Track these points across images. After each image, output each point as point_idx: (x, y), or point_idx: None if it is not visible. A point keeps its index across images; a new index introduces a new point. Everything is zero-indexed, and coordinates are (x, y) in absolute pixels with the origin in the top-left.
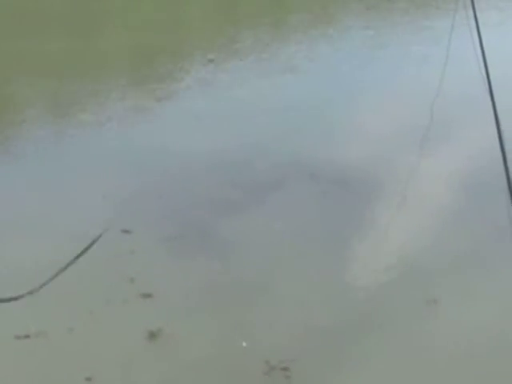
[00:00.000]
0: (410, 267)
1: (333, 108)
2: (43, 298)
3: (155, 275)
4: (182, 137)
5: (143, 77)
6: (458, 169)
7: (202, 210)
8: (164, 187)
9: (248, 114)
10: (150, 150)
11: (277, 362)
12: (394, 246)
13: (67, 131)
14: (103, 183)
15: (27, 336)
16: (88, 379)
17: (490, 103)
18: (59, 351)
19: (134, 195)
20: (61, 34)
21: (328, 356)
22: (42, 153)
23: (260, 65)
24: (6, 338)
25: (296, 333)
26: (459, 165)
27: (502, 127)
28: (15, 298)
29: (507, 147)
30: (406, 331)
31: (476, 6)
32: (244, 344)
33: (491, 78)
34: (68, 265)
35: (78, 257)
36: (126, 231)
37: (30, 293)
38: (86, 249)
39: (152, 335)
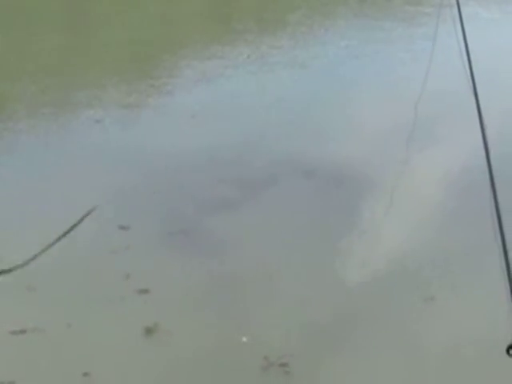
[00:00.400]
0: (405, 264)
1: (321, 105)
2: (39, 293)
3: (151, 271)
4: (177, 134)
5: (139, 74)
6: (446, 166)
7: (197, 206)
8: (158, 184)
9: (242, 111)
10: (144, 147)
11: (275, 358)
12: (388, 243)
13: (61, 128)
14: (98, 180)
15: (23, 331)
16: (85, 374)
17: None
18: (56, 346)
19: (130, 192)
20: (56, 31)
21: (326, 352)
22: (36, 150)
23: (255, 62)
24: (0, 333)
25: (294, 329)
26: (447, 162)
27: (486, 125)
28: (7, 271)
29: (491, 145)
30: (404, 327)
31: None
32: (244, 339)
33: (476, 75)
34: (57, 240)
35: (67, 232)
36: (122, 227)
37: (21, 266)
38: (76, 224)
39: (149, 331)
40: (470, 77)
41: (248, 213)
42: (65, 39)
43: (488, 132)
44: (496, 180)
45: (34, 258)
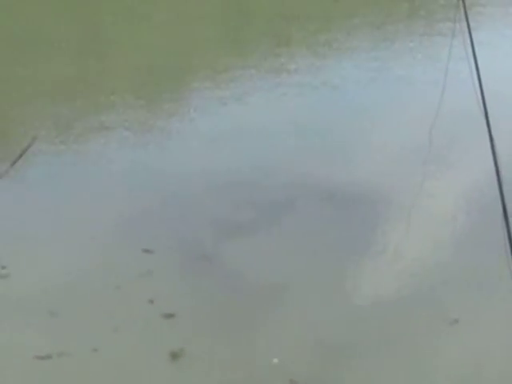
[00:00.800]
0: (424, 286)
1: (337, 129)
2: (61, 318)
3: (176, 295)
4: (192, 157)
5: (152, 97)
6: (462, 189)
7: (219, 231)
8: (174, 208)
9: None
10: (160, 170)
11: (303, 381)
12: (406, 265)
13: (82, 153)
14: (116, 204)
15: (49, 356)
16: None
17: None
18: (82, 371)
19: (151, 215)
20: (68, 58)
21: (350, 374)
22: (52, 175)
23: (267, 82)
24: (26, 358)
25: (318, 351)
26: (462, 184)
27: (498, 148)
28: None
29: (502, 168)
30: (427, 349)
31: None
32: (275, 360)
33: (488, 98)
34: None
35: (14, 162)
36: (146, 251)
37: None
38: (23, 154)
39: (174, 356)
40: (481, 101)
41: (267, 237)
42: (78, 64)
43: (500, 155)
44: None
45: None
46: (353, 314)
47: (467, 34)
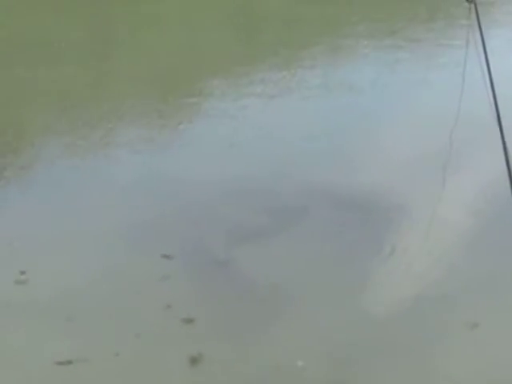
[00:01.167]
0: (441, 292)
1: (351, 133)
2: (79, 324)
3: (196, 300)
4: (204, 163)
5: (163, 102)
6: (479, 194)
7: (236, 236)
8: (189, 214)
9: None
10: (173, 176)
11: None
12: (422, 273)
13: (97, 159)
14: (131, 210)
15: (69, 361)
16: None
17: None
18: (103, 377)
19: (162, 221)
20: (75, 60)
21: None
22: (68, 180)
23: (281, 87)
24: (46, 363)
25: (335, 357)
26: (480, 190)
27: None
28: None
29: None
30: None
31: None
32: (300, 363)
33: (502, 105)
34: None
35: None
36: (165, 256)
37: None
38: None
39: (193, 360)
40: (494, 105)
41: (284, 243)
42: (87, 67)
43: None
44: None
45: None
46: (370, 320)
47: (481, 39)
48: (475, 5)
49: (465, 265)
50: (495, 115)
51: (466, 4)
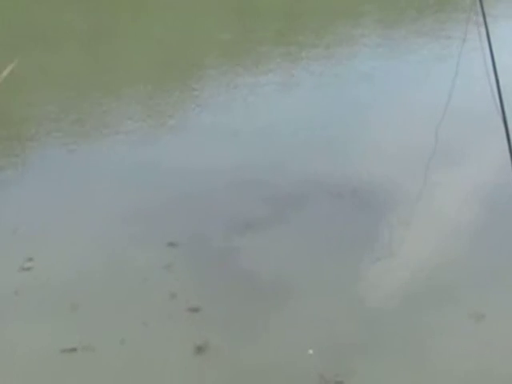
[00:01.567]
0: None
1: (347, 127)
2: (82, 311)
3: (201, 289)
4: (203, 154)
5: (162, 92)
6: (472, 184)
7: (236, 226)
8: (185, 204)
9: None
10: (173, 167)
11: (331, 376)
12: (421, 261)
13: (101, 147)
14: (134, 199)
15: (74, 349)
16: None
17: (500, 122)
18: (107, 364)
19: (162, 211)
20: (76, 50)
21: (378, 370)
22: (72, 169)
23: (279, 79)
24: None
25: (348, 347)
26: (473, 180)
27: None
28: None
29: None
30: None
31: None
32: (310, 351)
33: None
34: None
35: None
36: (171, 244)
37: None
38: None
39: (199, 349)
40: (496, 96)
41: (290, 232)
42: (87, 57)
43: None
44: None
45: None
46: (376, 312)
47: (482, 31)
48: None
49: (463, 256)
50: (498, 106)
51: None
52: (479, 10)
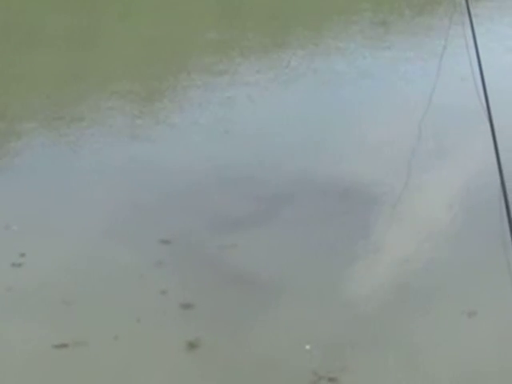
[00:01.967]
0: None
1: (333, 124)
2: (75, 307)
3: (194, 286)
4: (190, 151)
5: (147, 90)
6: (460, 184)
7: (223, 224)
8: (176, 202)
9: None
10: (162, 165)
11: (324, 373)
12: (409, 260)
13: (89, 145)
14: (123, 197)
15: (65, 345)
16: None
17: (484, 118)
18: (98, 360)
19: (150, 209)
20: (62, 49)
21: (373, 367)
22: (62, 166)
23: (266, 77)
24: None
25: (342, 344)
26: (462, 180)
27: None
28: None
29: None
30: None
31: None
32: (307, 347)
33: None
34: None
35: None
36: (163, 241)
37: None
38: None
39: (191, 346)
40: (481, 93)
41: (278, 230)
42: (73, 56)
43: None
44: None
45: None
46: (367, 309)
47: (467, 30)
48: None
49: (449, 254)
50: (483, 103)
51: None
52: (464, 7)
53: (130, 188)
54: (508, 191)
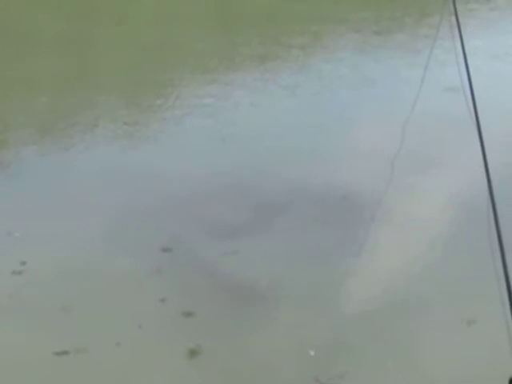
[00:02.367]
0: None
1: (323, 132)
2: (74, 314)
3: (195, 293)
4: (184, 159)
5: (140, 98)
6: (451, 190)
7: (222, 231)
8: (174, 209)
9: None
10: (153, 173)
11: (325, 379)
12: (403, 268)
13: (84, 152)
14: (122, 205)
15: (66, 352)
16: None
17: (470, 125)
18: (99, 367)
19: (143, 217)
20: (54, 55)
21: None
22: (59, 174)
23: (258, 84)
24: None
25: (344, 349)
26: (452, 186)
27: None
28: None
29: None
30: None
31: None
32: (312, 353)
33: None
34: None
35: None
36: (165, 249)
37: None
38: None
39: (192, 353)
40: (470, 101)
41: (275, 238)
42: (60, 63)
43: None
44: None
45: None
46: (364, 317)
47: (456, 38)
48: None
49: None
50: (471, 111)
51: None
52: (453, 12)
53: (129, 195)
54: (496, 200)
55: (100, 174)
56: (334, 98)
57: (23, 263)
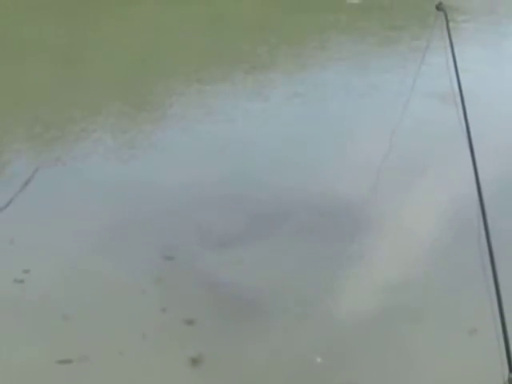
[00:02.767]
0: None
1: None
2: (75, 323)
3: (196, 302)
4: (181, 169)
5: (134, 107)
6: (442, 200)
7: (220, 241)
8: (174, 218)
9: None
10: (149, 182)
11: None
12: (397, 277)
13: (78, 162)
14: (122, 214)
15: (69, 360)
16: None
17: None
18: (101, 375)
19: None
20: (48, 63)
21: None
22: (58, 184)
23: (252, 95)
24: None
25: (345, 357)
26: (442, 197)
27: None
28: None
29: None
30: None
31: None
32: (318, 360)
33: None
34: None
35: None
36: (168, 258)
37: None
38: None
39: (194, 361)
40: (461, 110)
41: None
42: (54, 72)
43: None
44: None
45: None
46: (363, 324)
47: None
48: (445, 13)
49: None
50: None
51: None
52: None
53: (128, 206)
54: (486, 209)
55: (99, 184)
56: (327, 107)
57: (26, 271)
